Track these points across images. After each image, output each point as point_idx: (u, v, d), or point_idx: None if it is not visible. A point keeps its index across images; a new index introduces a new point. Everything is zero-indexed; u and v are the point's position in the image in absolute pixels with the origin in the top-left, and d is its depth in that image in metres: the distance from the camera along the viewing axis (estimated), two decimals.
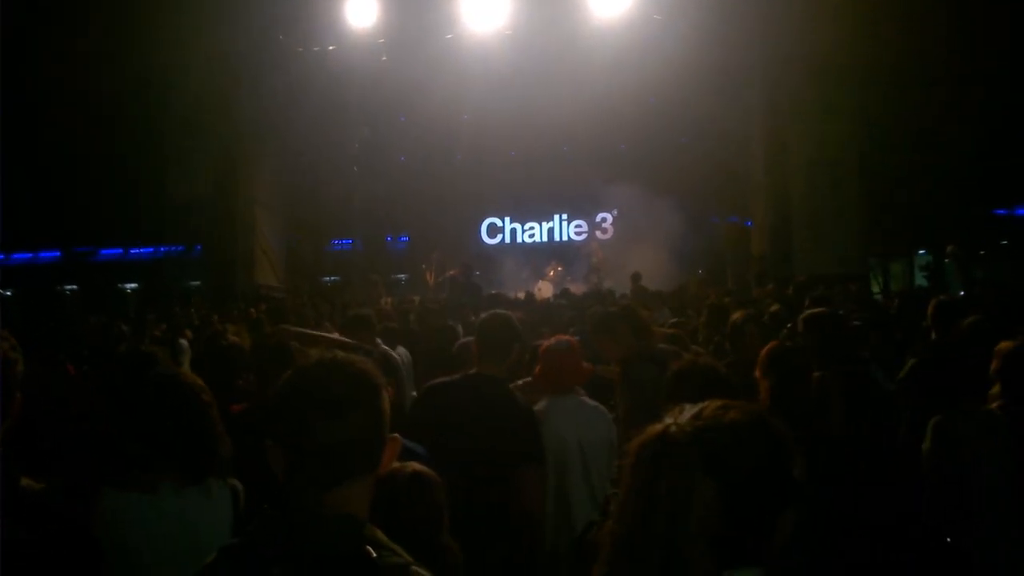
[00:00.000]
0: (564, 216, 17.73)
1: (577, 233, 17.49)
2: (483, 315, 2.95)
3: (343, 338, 3.93)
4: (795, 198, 12.21)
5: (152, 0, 11.43)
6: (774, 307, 5.88)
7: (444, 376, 2.94)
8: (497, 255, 16.60)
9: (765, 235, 12.98)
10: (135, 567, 1.76)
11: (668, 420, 1.11)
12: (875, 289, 12.53)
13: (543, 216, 17.81)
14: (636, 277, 11.42)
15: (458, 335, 4.62)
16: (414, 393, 4.22)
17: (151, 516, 1.77)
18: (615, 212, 16.62)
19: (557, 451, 2.81)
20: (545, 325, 5.88)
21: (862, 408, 2.41)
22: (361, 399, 1.20)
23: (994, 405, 2.97)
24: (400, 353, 5.25)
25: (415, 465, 1.86)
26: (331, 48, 12.52)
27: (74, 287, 16.80)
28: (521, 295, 10.90)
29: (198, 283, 14.91)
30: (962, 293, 9.06)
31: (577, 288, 12.20)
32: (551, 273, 15.01)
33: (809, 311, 3.92)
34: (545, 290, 13.38)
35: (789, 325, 4.83)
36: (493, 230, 17.96)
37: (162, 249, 16.30)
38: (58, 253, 17.13)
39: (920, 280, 13.90)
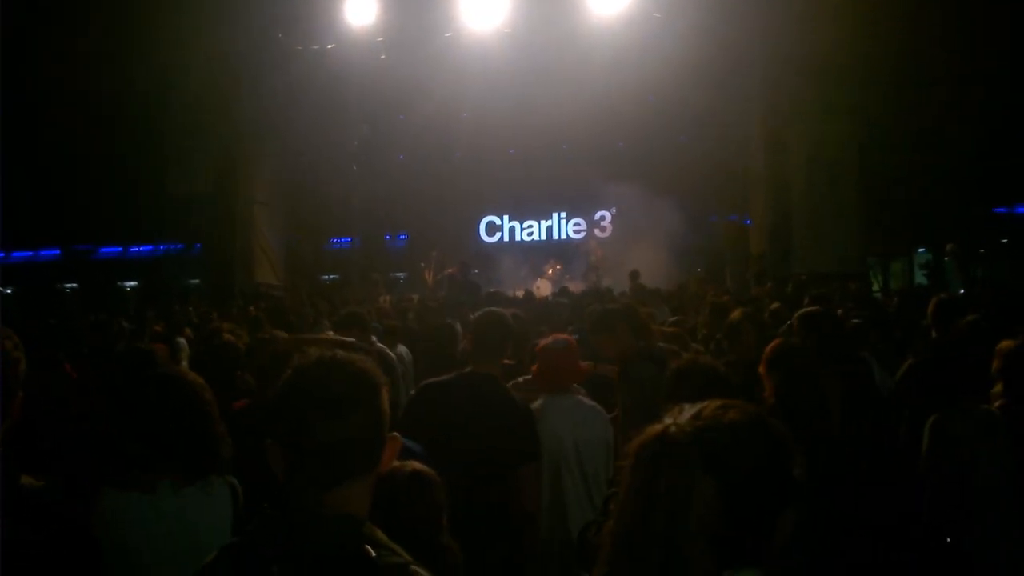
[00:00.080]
0: (563, 214, 17.73)
1: (576, 231, 17.49)
2: (477, 313, 2.93)
3: (341, 338, 3.92)
4: (794, 197, 12.22)
5: (152, 0, 11.41)
6: (775, 305, 5.88)
7: (443, 374, 2.94)
8: (496, 253, 16.59)
9: (764, 234, 12.99)
10: (135, 567, 1.76)
11: (668, 420, 1.11)
12: (875, 288, 12.53)
13: (542, 214, 17.81)
14: (635, 275, 11.42)
15: (457, 333, 4.62)
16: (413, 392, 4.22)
17: (151, 516, 1.77)
18: (614, 210, 16.61)
19: (553, 450, 2.81)
20: (544, 323, 5.87)
21: (861, 408, 2.41)
22: (361, 398, 1.20)
23: (996, 404, 2.97)
24: (401, 352, 5.25)
25: (415, 464, 1.85)
26: (330, 47, 12.51)
27: (74, 285, 16.79)
28: (520, 293, 10.91)
29: (197, 281, 14.91)
30: (962, 291, 9.06)
31: (576, 286, 12.20)
32: (550, 271, 15.01)
33: (804, 310, 3.93)
34: (544, 288, 13.38)
35: (788, 323, 4.83)
36: (492, 228, 17.95)
37: (161, 247, 16.29)
38: (58, 251, 17.11)
39: (920, 279, 13.91)
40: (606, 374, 3.31)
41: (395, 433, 1.26)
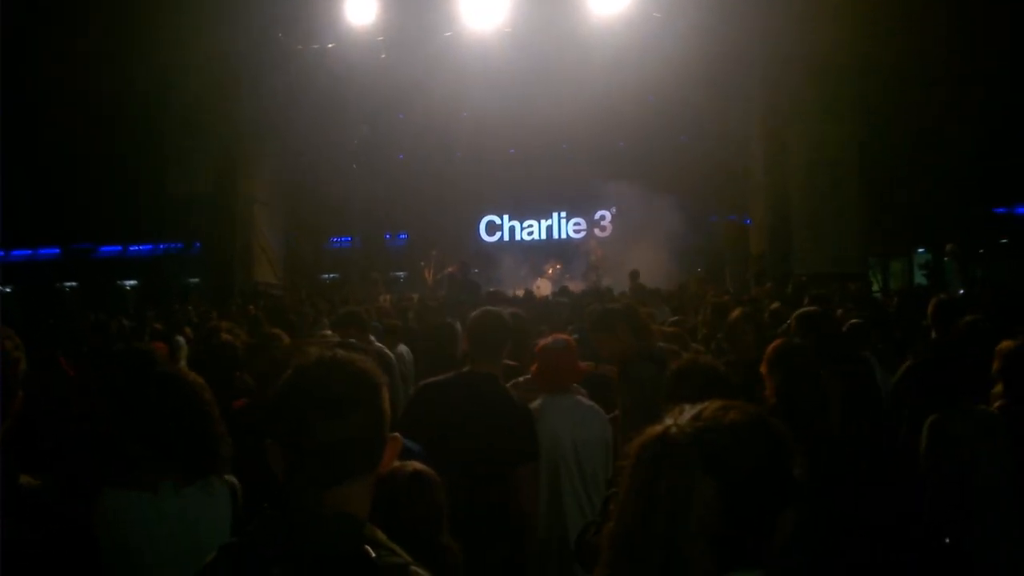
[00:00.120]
0: (563, 214, 17.74)
1: (576, 231, 17.49)
2: (474, 313, 2.92)
3: (343, 340, 3.92)
4: (794, 197, 12.22)
5: (152, 0, 11.41)
6: (774, 305, 5.88)
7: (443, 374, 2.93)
8: (496, 253, 16.59)
9: (764, 234, 12.99)
10: (137, 567, 1.75)
11: (668, 421, 1.11)
12: (875, 288, 12.54)
13: (542, 214, 17.81)
14: (634, 275, 11.42)
15: (457, 333, 4.61)
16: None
17: (152, 516, 1.77)
18: (614, 210, 16.62)
19: (551, 450, 2.80)
20: (544, 323, 5.87)
21: (861, 408, 2.41)
22: (361, 398, 1.19)
23: (996, 405, 2.97)
24: (402, 351, 5.24)
25: (415, 464, 1.85)
26: (330, 46, 12.51)
27: (73, 284, 16.79)
28: (520, 293, 10.91)
29: (197, 280, 14.91)
30: (961, 292, 9.07)
31: (576, 286, 12.21)
32: (550, 271, 15.02)
33: (802, 310, 3.93)
34: (544, 288, 13.39)
35: (787, 323, 4.83)
36: (492, 228, 17.96)
37: (161, 246, 16.28)
38: (57, 250, 17.11)
39: (919, 279, 13.91)
40: (607, 374, 3.31)
41: (396, 434, 1.25)
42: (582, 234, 17.13)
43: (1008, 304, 5.90)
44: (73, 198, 14.24)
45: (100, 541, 1.66)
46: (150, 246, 16.69)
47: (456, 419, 2.59)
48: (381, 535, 1.17)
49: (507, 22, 11.83)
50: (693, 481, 1.03)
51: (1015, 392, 2.96)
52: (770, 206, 12.70)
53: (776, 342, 2.54)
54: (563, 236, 17.63)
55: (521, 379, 3.24)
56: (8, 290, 15.70)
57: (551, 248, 16.87)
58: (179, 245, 15.63)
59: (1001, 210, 13.99)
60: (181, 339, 6.53)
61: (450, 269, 13.11)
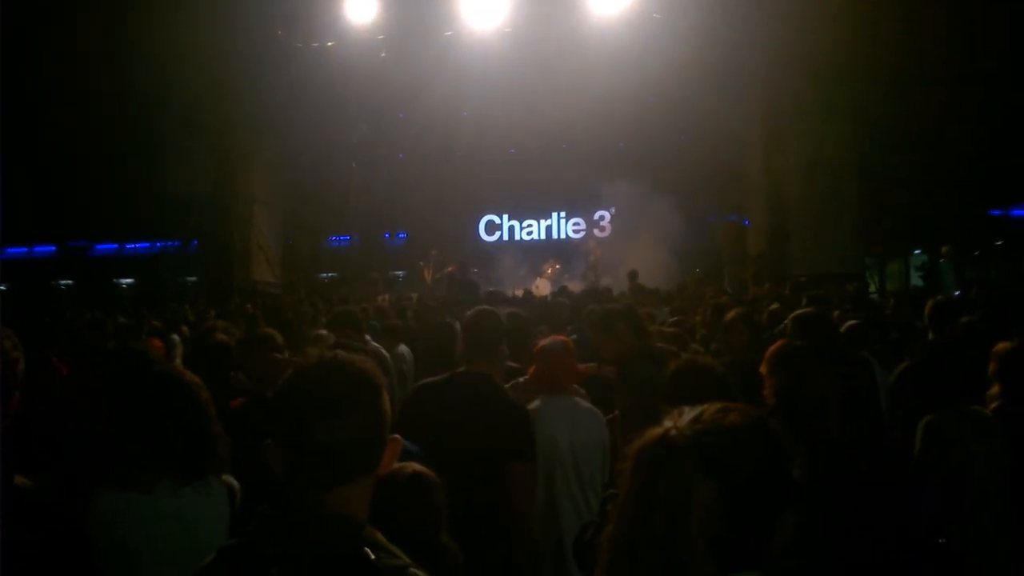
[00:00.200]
0: (562, 214, 17.74)
1: (575, 231, 17.49)
2: (469, 313, 2.91)
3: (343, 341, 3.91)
4: (793, 198, 12.23)
5: None
6: (773, 306, 5.89)
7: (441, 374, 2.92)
8: (495, 252, 16.59)
9: (763, 234, 13.00)
10: (135, 567, 1.75)
11: (668, 423, 1.11)
12: (871, 289, 12.56)
13: (541, 214, 17.81)
14: (633, 275, 11.43)
15: (456, 333, 4.60)
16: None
17: (150, 516, 1.76)
18: (613, 210, 16.62)
19: (547, 451, 2.79)
20: (543, 323, 5.87)
21: (861, 408, 2.42)
22: (361, 398, 1.19)
23: (992, 406, 2.98)
24: (402, 351, 5.23)
25: (414, 465, 1.85)
26: (330, 44, 12.50)
27: (69, 282, 16.75)
28: (519, 293, 10.91)
29: (194, 279, 14.88)
30: (957, 293, 9.09)
31: (575, 286, 12.21)
32: (549, 271, 15.01)
33: (798, 312, 3.93)
34: (543, 288, 13.38)
35: (783, 323, 4.83)
36: (491, 227, 17.95)
37: (158, 244, 16.25)
38: (53, 248, 17.07)
39: (916, 280, 13.95)
40: (608, 375, 3.31)
41: (396, 435, 1.25)
42: (581, 234, 17.13)
43: (1003, 305, 5.92)
44: (70, 196, 14.20)
45: (97, 542, 1.65)
46: (147, 244, 16.66)
47: (452, 419, 2.59)
48: (380, 537, 1.17)
49: (507, 22, 11.83)
50: (693, 483, 1.03)
51: (1011, 393, 2.97)
52: (769, 207, 12.72)
53: (777, 343, 2.55)
54: (562, 236, 17.63)
55: (521, 379, 3.23)
56: (3, 288, 15.66)
57: (550, 248, 16.86)
58: (176, 243, 15.60)
59: (996, 212, 14.03)
60: (176, 337, 6.51)
61: (449, 269, 13.11)
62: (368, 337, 4.57)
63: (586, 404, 3.00)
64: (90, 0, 11.76)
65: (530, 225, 17.92)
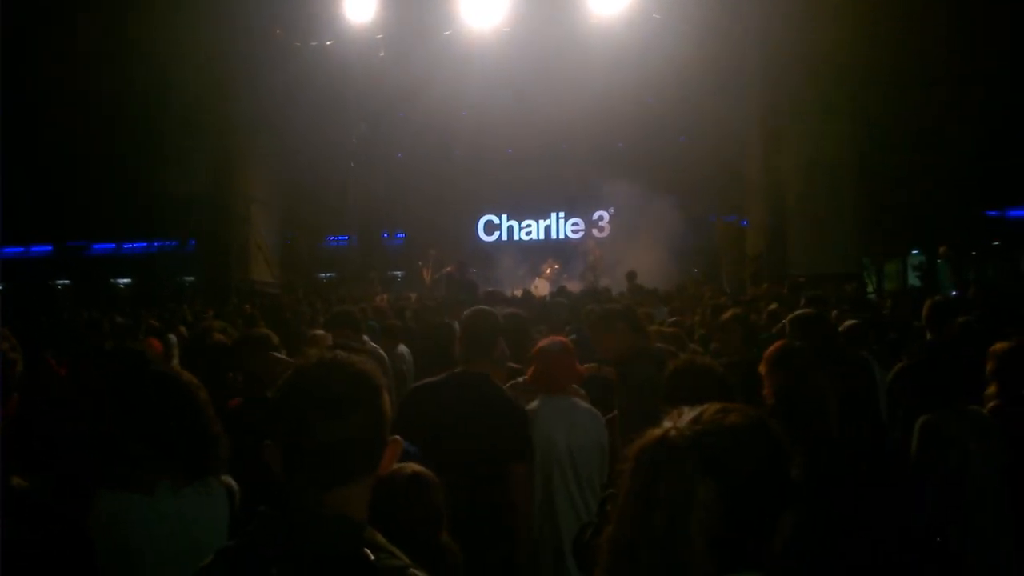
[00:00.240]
0: (561, 214, 17.74)
1: (574, 231, 17.49)
2: (466, 313, 2.89)
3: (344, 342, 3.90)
4: (792, 198, 12.24)
5: None
6: (772, 306, 5.90)
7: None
8: (494, 252, 16.58)
9: (761, 234, 13.01)
10: (136, 568, 1.75)
11: (668, 424, 1.11)
12: (869, 289, 12.58)
13: (540, 214, 17.81)
14: (631, 276, 11.44)
15: (455, 333, 4.59)
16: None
17: (151, 517, 1.76)
18: (612, 210, 16.62)
19: (546, 452, 2.79)
20: (542, 323, 5.87)
21: (860, 409, 2.42)
22: (361, 399, 1.19)
23: (989, 406, 2.98)
24: (402, 351, 5.23)
25: (413, 466, 1.85)
26: (329, 43, 12.49)
27: (66, 282, 16.71)
28: (518, 293, 10.91)
29: (192, 279, 14.85)
30: (954, 293, 9.12)
31: (574, 286, 12.21)
32: (548, 271, 15.01)
33: (796, 312, 3.94)
34: (542, 288, 13.38)
35: (781, 323, 4.83)
36: (490, 227, 17.95)
37: (155, 244, 16.23)
38: (50, 247, 17.03)
39: (913, 280, 13.97)
40: (608, 376, 3.31)
41: (396, 436, 1.25)
42: (580, 234, 17.14)
43: (1000, 305, 5.94)
44: (67, 195, 14.18)
45: (97, 543, 1.65)
46: (144, 244, 16.63)
47: (450, 420, 2.58)
48: (380, 537, 1.17)
49: (506, 21, 11.83)
50: (693, 484, 1.03)
51: (1009, 393, 2.98)
52: (767, 206, 12.72)
53: (776, 344, 2.55)
54: (561, 236, 17.63)
55: (520, 379, 3.23)
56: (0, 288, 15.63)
57: (549, 248, 16.86)
58: (174, 243, 15.58)
59: (993, 213, 14.06)
60: (173, 337, 6.50)
61: (448, 269, 13.10)
62: (366, 337, 4.56)
63: (585, 405, 3.00)
64: (89, 0, 11.74)
65: (529, 225, 17.91)
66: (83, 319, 6.18)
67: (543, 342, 3.07)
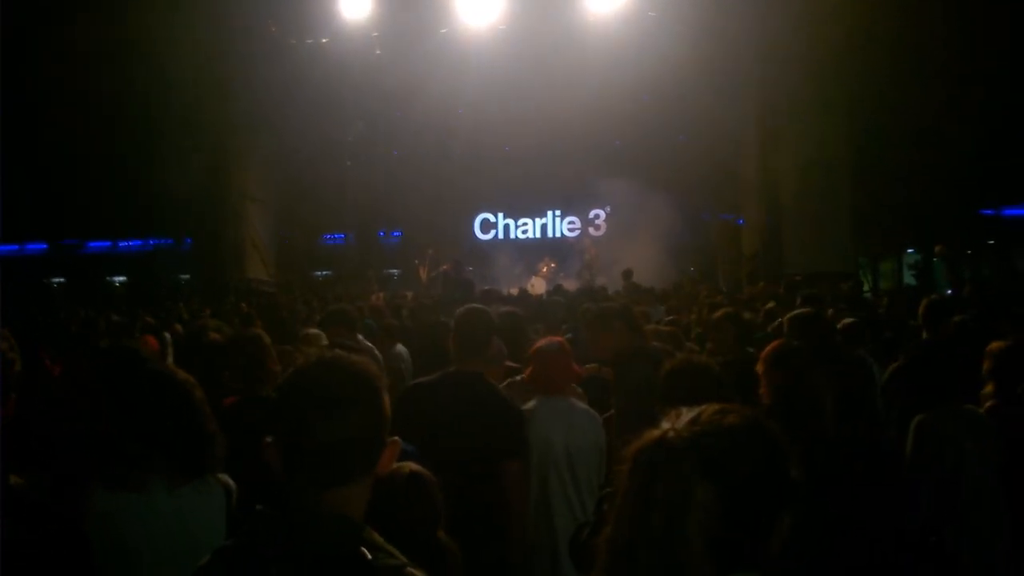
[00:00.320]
0: (557, 212, 17.73)
1: (570, 229, 17.50)
2: (458, 311, 2.88)
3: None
4: (788, 197, 12.27)
5: None
6: (770, 304, 5.92)
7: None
8: (490, 251, 16.58)
9: (757, 233, 13.04)
10: (134, 567, 1.74)
11: (665, 425, 1.11)
12: (864, 288, 12.62)
13: (536, 212, 17.81)
14: (627, 274, 11.46)
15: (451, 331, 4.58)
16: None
17: (148, 515, 1.76)
18: (608, 209, 16.63)
19: (542, 452, 2.78)
20: (538, 322, 5.87)
21: (856, 408, 2.43)
22: (361, 398, 1.19)
23: (986, 405, 2.99)
24: (400, 351, 5.22)
25: (412, 465, 1.85)
26: (324, 41, 12.45)
27: (61, 280, 16.64)
28: (514, 291, 10.91)
29: (188, 277, 14.81)
30: (949, 292, 9.15)
31: (570, 285, 12.22)
32: (544, 269, 15.01)
33: (794, 312, 3.95)
34: (538, 286, 13.38)
35: (778, 321, 4.85)
36: (486, 225, 17.94)
37: (151, 242, 16.17)
38: (45, 245, 16.95)
39: (909, 279, 14.03)
40: (607, 376, 3.31)
41: (396, 437, 1.25)
42: (576, 232, 17.14)
43: (996, 304, 5.96)
44: (63, 193, 14.12)
45: (94, 541, 1.65)
46: (140, 242, 16.57)
47: (444, 419, 2.58)
48: (378, 537, 1.17)
49: (503, 19, 11.82)
50: (691, 485, 1.03)
51: (1005, 392, 2.99)
52: (763, 205, 12.75)
53: (773, 343, 2.55)
54: (557, 234, 17.63)
55: (518, 378, 3.23)
56: None
57: (545, 246, 16.86)
58: (170, 241, 15.53)
59: (989, 212, 14.11)
60: (168, 336, 6.49)
61: (444, 267, 13.09)
62: (360, 336, 4.54)
63: (582, 405, 2.99)
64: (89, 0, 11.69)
65: (525, 223, 17.91)
66: (79, 318, 6.15)
67: (540, 342, 3.06)
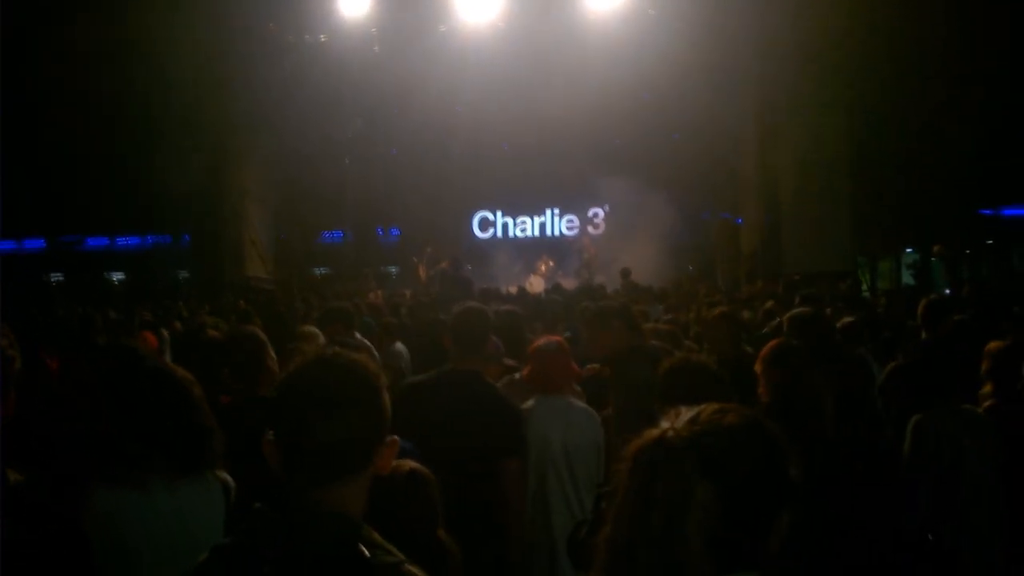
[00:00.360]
0: (556, 211, 17.72)
1: (569, 228, 17.50)
2: (455, 309, 2.88)
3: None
4: (787, 195, 12.28)
5: None
6: (768, 304, 5.92)
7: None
8: (489, 249, 16.57)
9: (756, 232, 13.05)
10: (133, 565, 1.74)
11: (665, 424, 1.11)
12: (863, 287, 12.64)
13: (535, 210, 17.79)
14: (625, 273, 11.47)
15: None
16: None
17: (147, 513, 1.76)
18: (607, 207, 16.63)
19: (541, 451, 2.78)
20: (537, 320, 5.87)
21: (855, 407, 2.43)
22: (361, 397, 1.19)
23: (985, 404, 3.00)
24: (399, 349, 5.22)
25: (411, 463, 1.85)
26: (323, 38, 12.43)
27: (59, 277, 16.61)
28: (513, 290, 10.91)
29: (186, 274, 14.79)
30: (947, 291, 9.17)
31: (568, 283, 12.22)
32: (543, 267, 15.02)
33: (794, 312, 3.95)
34: (537, 285, 13.39)
35: (777, 320, 4.85)
36: (485, 224, 17.93)
37: (149, 239, 16.14)
38: (43, 242, 16.92)
39: (907, 278, 14.04)
40: (606, 376, 3.31)
41: (395, 437, 1.25)
42: (575, 231, 17.14)
43: (994, 303, 5.97)
44: (61, 191, 14.08)
45: (93, 540, 1.64)
46: (138, 239, 16.54)
47: (441, 418, 2.57)
48: (375, 535, 1.17)
49: (501, 17, 11.80)
50: (691, 484, 1.03)
51: (1004, 392, 2.99)
52: (762, 204, 12.76)
53: (772, 342, 2.55)
54: (556, 233, 17.63)
55: (516, 376, 3.23)
56: None
57: (544, 245, 16.86)
58: (168, 238, 15.50)
59: (987, 212, 14.12)
60: (166, 332, 6.48)
61: (442, 265, 13.09)
62: (358, 334, 4.54)
63: (581, 404, 2.99)
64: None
65: (524, 222, 17.90)
66: (77, 315, 6.15)
67: (539, 342, 3.06)
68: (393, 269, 17.39)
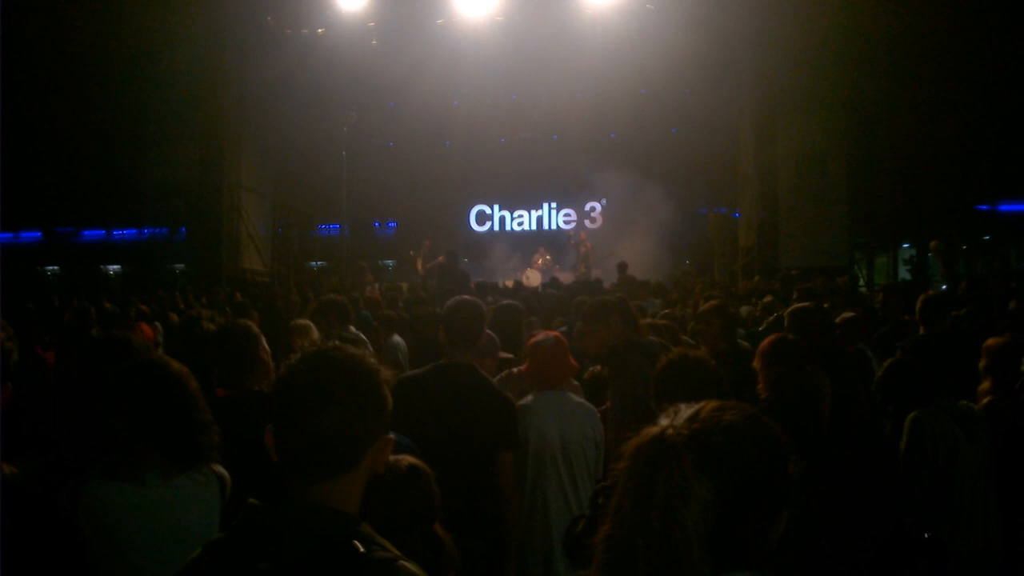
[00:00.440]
0: (553, 205, 17.71)
1: (566, 222, 17.49)
2: (448, 303, 2.86)
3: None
4: (783, 190, 12.28)
5: None
6: (767, 298, 5.92)
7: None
8: (486, 243, 16.55)
9: (752, 227, 13.05)
10: (127, 557, 1.74)
11: (664, 422, 1.11)
12: (860, 282, 12.66)
13: (532, 204, 17.78)
14: (622, 267, 11.46)
15: None
16: None
17: (142, 506, 1.75)
18: (604, 202, 16.62)
19: (538, 446, 2.78)
20: (533, 314, 5.87)
21: (853, 404, 2.43)
22: (359, 392, 1.19)
23: (983, 401, 3.00)
24: (397, 342, 5.22)
25: (409, 458, 1.84)
26: (320, 31, 12.35)
27: (55, 268, 16.55)
28: (509, 284, 10.91)
29: (182, 266, 14.75)
30: (944, 287, 9.18)
31: (565, 277, 12.22)
32: (539, 262, 15.01)
33: (793, 307, 3.94)
34: (533, 278, 13.38)
35: (775, 314, 4.85)
36: (482, 218, 17.90)
37: (146, 231, 16.08)
38: (39, 233, 16.85)
39: (904, 274, 14.07)
40: (605, 375, 3.30)
41: (391, 434, 1.24)
42: (572, 225, 17.14)
43: (991, 300, 5.98)
44: (57, 181, 14.01)
45: (87, 532, 1.64)
46: (134, 231, 16.47)
47: (435, 411, 2.57)
48: (370, 530, 1.16)
49: (499, 11, 11.74)
50: (690, 482, 1.03)
51: (1002, 388, 3.00)
52: (758, 198, 12.76)
53: (770, 337, 2.55)
54: (553, 227, 17.62)
55: (515, 370, 3.23)
56: None
57: (541, 239, 16.86)
58: (164, 230, 15.44)
59: (984, 207, 14.14)
60: (159, 325, 6.46)
61: (439, 258, 13.06)
62: (353, 328, 4.53)
63: (578, 399, 2.99)
64: None
65: (521, 215, 17.88)
66: (73, 307, 6.12)
67: (538, 336, 3.05)
68: (389, 262, 17.37)
